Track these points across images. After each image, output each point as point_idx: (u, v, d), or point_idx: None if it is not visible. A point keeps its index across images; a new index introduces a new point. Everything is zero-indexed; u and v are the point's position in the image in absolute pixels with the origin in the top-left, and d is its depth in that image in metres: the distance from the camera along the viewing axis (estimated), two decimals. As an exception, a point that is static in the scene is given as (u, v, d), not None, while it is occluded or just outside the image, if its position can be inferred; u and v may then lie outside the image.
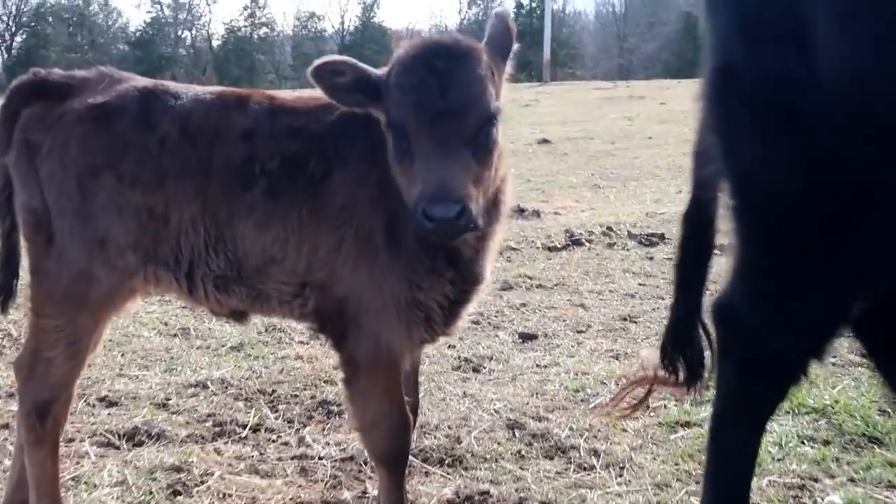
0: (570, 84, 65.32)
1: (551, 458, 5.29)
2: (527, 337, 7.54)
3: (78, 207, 4.05)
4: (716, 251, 4.42)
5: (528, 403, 6.04)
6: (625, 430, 5.61)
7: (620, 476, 5.07)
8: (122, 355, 7.00)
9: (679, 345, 4.44)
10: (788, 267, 3.44)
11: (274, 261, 4.08)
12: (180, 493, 4.85)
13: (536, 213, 13.25)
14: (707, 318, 4.21)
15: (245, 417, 5.80)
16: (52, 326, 4.17)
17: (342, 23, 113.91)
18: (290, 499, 4.84)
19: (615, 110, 37.06)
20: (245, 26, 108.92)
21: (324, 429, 5.70)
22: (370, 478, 5.02)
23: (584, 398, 6.13)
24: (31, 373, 4.25)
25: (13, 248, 4.40)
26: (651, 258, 10.59)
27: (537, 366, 6.83)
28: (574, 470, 5.15)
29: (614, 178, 18.17)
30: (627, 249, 11.12)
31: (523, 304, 8.54)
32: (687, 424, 5.65)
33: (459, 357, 6.94)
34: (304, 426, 5.74)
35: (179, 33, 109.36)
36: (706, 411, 5.73)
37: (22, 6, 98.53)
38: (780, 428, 5.52)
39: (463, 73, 3.62)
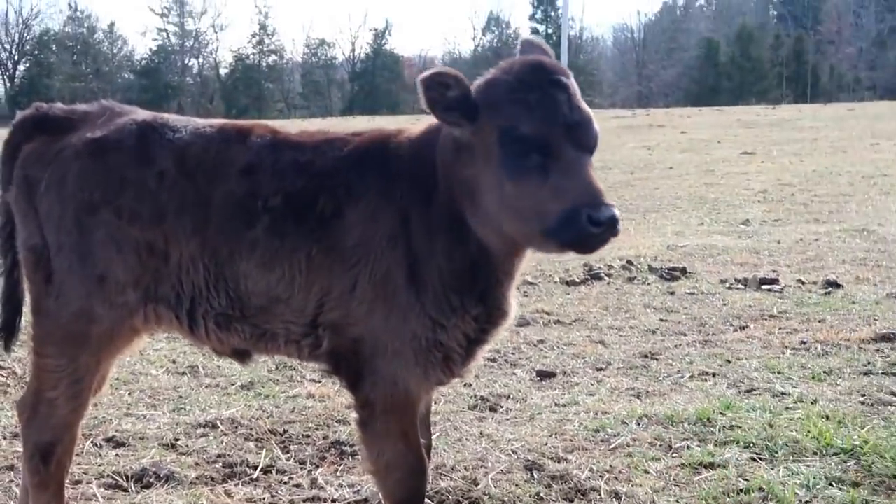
0: (589, 114, 65.37)
1: (571, 501, 5.14)
2: (545, 375, 7.38)
3: (76, 244, 3.98)
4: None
5: (546, 444, 5.89)
6: (647, 472, 5.45)
7: (642, 520, 4.93)
8: (130, 394, 6.90)
9: None
10: None
11: (279, 300, 4.00)
12: (190, 537, 4.75)
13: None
14: None
15: (256, 458, 5.67)
16: (54, 366, 4.11)
17: (353, 50, 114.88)
18: (302, 543, 4.72)
19: (634, 139, 37.11)
20: (253, 54, 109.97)
21: (337, 470, 5.57)
22: (384, 522, 4.89)
23: (605, 438, 5.98)
24: (33, 414, 4.21)
25: (15, 285, 4.35)
26: (672, 293, 10.43)
27: (556, 405, 6.68)
28: (594, 513, 5.00)
29: (634, 209, 18.05)
30: (648, 284, 10.97)
31: (541, 341, 8.39)
32: (710, 466, 5.48)
33: (476, 396, 6.80)
34: (317, 467, 5.61)
35: (186, 61, 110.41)
36: (730, 452, 5.60)
37: (25, 34, 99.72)
38: (807, 469, 5.36)
39: (575, 88, 3.74)
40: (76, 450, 4.49)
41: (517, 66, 3.79)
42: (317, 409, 6.54)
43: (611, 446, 5.84)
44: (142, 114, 4.31)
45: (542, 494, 5.19)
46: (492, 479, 5.37)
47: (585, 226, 3.51)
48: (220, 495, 5.19)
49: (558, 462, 5.60)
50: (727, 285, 10.69)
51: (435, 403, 6.14)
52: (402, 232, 3.93)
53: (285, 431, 6.12)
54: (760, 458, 5.56)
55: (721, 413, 6.27)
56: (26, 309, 4.36)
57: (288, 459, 5.70)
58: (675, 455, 5.68)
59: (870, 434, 5.79)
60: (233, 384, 7.13)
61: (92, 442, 5.88)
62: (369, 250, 3.92)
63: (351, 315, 3.96)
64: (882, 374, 7.14)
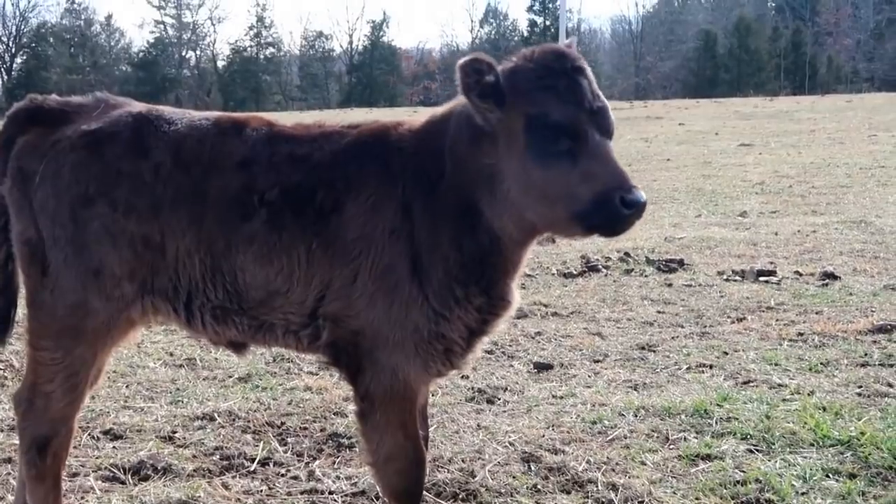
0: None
1: (568, 493, 5.14)
2: (542, 367, 7.38)
3: (72, 237, 3.97)
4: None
5: (543, 436, 5.89)
6: (644, 464, 5.45)
7: (639, 511, 4.92)
8: (127, 387, 6.89)
9: None
10: None
11: (278, 293, 3.99)
12: (187, 530, 4.74)
13: (551, 239, 13.11)
14: None
15: (253, 451, 5.67)
16: (50, 359, 4.09)
17: (350, 42, 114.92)
18: (299, 535, 4.72)
19: (632, 131, 37.08)
20: (251, 46, 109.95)
21: (334, 462, 5.57)
22: (382, 513, 4.89)
23: (602, 430, 5.98)
24: (29, 407, 4.20)
25: (10, 278, 4.34)
26: (670, 285, 10.43)
27: (553, 397, 6.68)
28: (591, 505, 5.00)
29: (631, 202, 17.98)
30: (645, 276, 10.97)
31: (538, 333, 8.40)
32: (708, 457, 5.48)
33: (473, 388, 6.80)
34: (314, 460, 5.61)
35: (183, 54, 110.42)
36: (727, 443, 5.60)
37: (22, 27, 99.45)
38: (804, 461, 5.36)
39: (592, 75, 3.80)
40: (73, 442, 4.48)
41: (539, 54, 3.82)
42: (314, 401, 6.54)
43: (608, 438, 5.84)
44: (137, 106, 4.29)
45: (539, 486, 5.19)
46: (489, 470, 5.37)
47: (618, 208, 3.59)
48: (217, 487, 5.18)
49: (555, 454, 5.60)
50: (724, 277, 10.68)
51: (432, 395, 6.14)
52: (405, 224, 3.93)
53: (283, 424, 6.12)
54: (757, 450, 5.56)
55: (718, 405, 6.27)
56: (21, 301, 4.35)
57: (285, 452, 5.70)
58: (672, 447, 5.68)
59: (866, 425, 5.78)
60: (230, 377, 7.12)
61: (89, 434, 5.88)
62: (370, 243, 3.92)
63: (351, 307, 3.96)
64: (879, 365, 7.14)
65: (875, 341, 7.78)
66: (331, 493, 5.15)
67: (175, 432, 5.96)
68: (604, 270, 11.20)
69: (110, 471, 5.37)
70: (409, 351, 3.97)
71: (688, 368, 7.25)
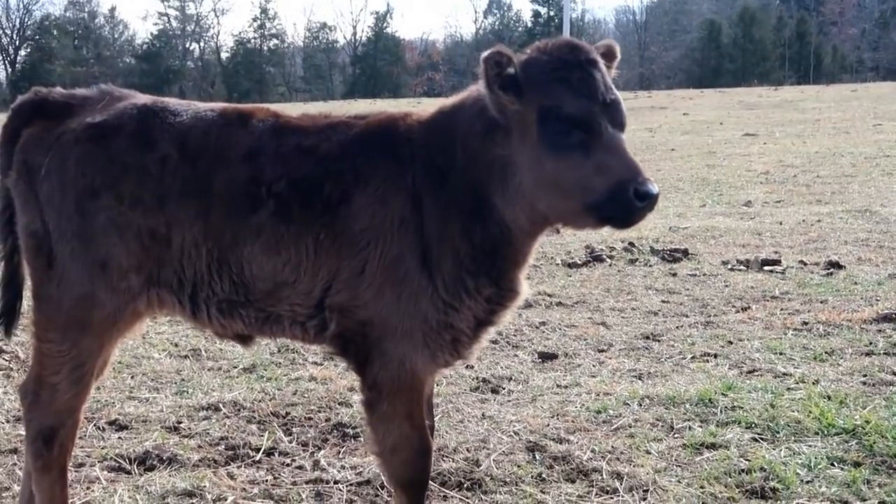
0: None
1: (573, 482, 5.15)
2: (547, 356, 7.39)
3: (78, 229, 3.96)
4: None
5: (548, 425, 5.90)
6: (648, 453, 5.46)
7: (644, 500, 4.93)
8: (132, 377, 6.91)
9: None
10: None
11: (286, 284, 3.99)
12: (192, 519, 4.76)
13: (556, 229, 13.09)
14: None
15: (258, 441, 5.68)
16: (56, 351, 4.09)
17: (354, 34, 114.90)
18: (304, 525, 4.73)
19: (636, 121, 37.00)
20: (255, 38, 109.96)
21: (339, 452, 5.59)
22: (387, 502, 4.91)
23: (607, 419, 5.99)
24: (35, 399, 4.19)
25: (16, 270, 4.33)
26: (674, 274, 10.43)
27: (558, 386, 6.69)
28: (596, 493, 5.01)
29: (635, 192, 17.98)
30: (650, 265, 10.97)
31: (543, 323, 8.40)
32: (713, 446, 5.49)
33: (478, 378, 6.81)
34: (319, 449, 5.62)
35: (187, 45, 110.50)
36: (732, 432, 5.60)
37: (26, 19, 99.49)
38: (808, 449, 5.37)
39: (605, 68, 3.81)
40: (79, 433, 4.49)
41: (553, 46, 3.83)
42: (319, 391, 6.55)
43: (612, 427, 5.85)
44: (142, 98, 4.28)
45: (543, 475, 5.20)
46: (494, 460, 5.39)
47: (632, 199, 3.61)
48: (222, 477, 5.20)
49: (560, 443, 5.61)
50: (729, 266, 10.68)
51: (437, 385, 6.14)
52: (414, 215, 3.93)
53: (287, 414, 6.13)
54: (762, 439, 5.57)
55: (723, 394, 6.28)
56: (27, 293, 4.35)
57: (290, 442, 5.72)
58: (676, 436, 5.69)
59: (871, 414, 5.79)
60: (235, 367, 7.14)
61: (95, 425, 5.90)
62: (379, 234, 3.92)
63: (359, 297, 3.96)
64: (884, 354, 7.14)
65: (880, 330, 7.77)
66: (336, 482, 5.16)
67: (180, 423, 5.97)
68: (608, 260, 11.20)
69: (116, 461, 5.38)
70: (416, 341, 3.97)
71: (692, 358, 7.25)
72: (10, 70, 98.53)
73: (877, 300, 8.82)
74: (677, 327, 8.22)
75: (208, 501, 4.92)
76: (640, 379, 6.81)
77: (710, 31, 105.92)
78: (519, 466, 5.31)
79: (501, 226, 3.93)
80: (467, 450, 5.54)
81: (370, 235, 3.92)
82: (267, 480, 5.20)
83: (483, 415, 6.11)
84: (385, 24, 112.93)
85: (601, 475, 5.17)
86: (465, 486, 5.09)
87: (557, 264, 11.08)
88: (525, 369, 7.11)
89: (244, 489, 5.08)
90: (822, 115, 38.90)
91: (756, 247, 11.87)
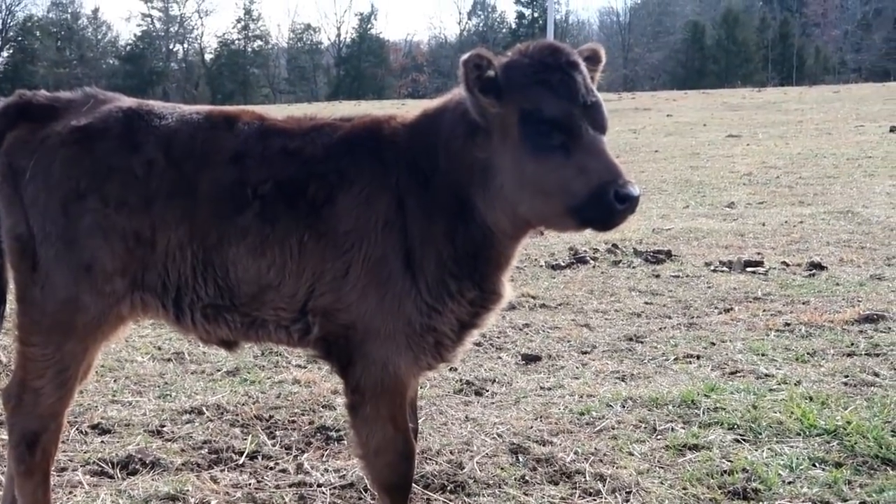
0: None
1: (556, 484, 5.16)
2: (530, 358, 7.40)
3: (62, 232, 3.96)
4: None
5: (531, 427, 5.91)
6: (631, 454, 5.47)
7: (627, 501, 4.94)
8: (115, 381, 6.89)
9: None
10: None
11: (270, 287, 4.00)
12: (175, 524, 4.74)
13: (539, 231, 13.10)
14: None
15: (242, 444, 5.68)
16: (40, 355, 4.08)
17: (339, 35, 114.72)
18: (288, 529, 4.72)
19: (620, 123, 37.07)
20: (239, 39, 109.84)
21: (322, 455, 5.58)
22: (370, 505, 4.90)
23: (590, 421, 6.00)
24: (19, 403, 4.18)
25: None
26: (657, 276, 10.46)
27: (541, 388, 6.70)
28: (579, 495, 5.02)
29: (619, 193, 18.02)
30: (633, 267, 11.00)
31: (526, 325, 8.42)
32: (695, 447, 5.51)
33: (461, 380, 6.82)
34: (303, 453, 5.62)
35: (171, 47, 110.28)
36: (714, 433, 5.63)
37: (8, 20, 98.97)
38: (790, 450, 5.40)
39: (586, 70, 3.83)
40: (62, 437, 4.47)
41: (534, 49, 3.84)
42: (302, 394, 6.54)
43: (596, 429, 5.87)
44: (127, 101, 4.28)
45: (527, 477, 5.21)
46: (477, 462, 5.39)
47: (612, 202, 3.63)
48: (205, 481, 5.19)
49: (543, 445, 5.62)
50: (712, 268, 10.72)
51: (421, 388, 6.15)
52: (398, 218, 3.94)
53: (271, 417, 6.13)
54: (744, 440, 5.59)
55: (705, 395, 6.30)
56: (11, 297, 4.34)
57: (274, 445, 5.71)
58: (659, 437, 5.71)
59: (853, 415, 5.82)
60: (218, 370, 7.13)
61: (77, 429, 5.88)
62: (363, 236, 3.93)
63: (342, 300, 3.97)
64: (865, 355, 7.18)
65: (861, 331, 7.81)
66: (319, 485, 5.16)
67: (163, 426, 5.96)
68: (592, 262, 11.22)
69: (98, 465, 5.37)
70: (399, 344, 3.98)
71: (675, 359, 7.27)
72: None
73: (858, 301, 8.87)
74: (660, 329, 8.24)
75: (192, 505, 4.90)
76: (623, 380, 6.83)
77: (694, 32, 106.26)
78: (502, 469, 5.32)
79: (484, 228, 3.94)
80: (451, 452, 5.54)
81: (354, 237, 3.93)
82: (250, 484, 5.19)
83: (466, 417, 6.12)
84: (369, 26, 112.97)
85: (584, 477, 5.18)
86: (449, 488, 5.10)
87: (541, 266, 11.10)
88: (508, 371, 7.12)
89: (227, 493, 5.07)
90: (804, 116, 39.05)
91: (739, 248, 11.92)
